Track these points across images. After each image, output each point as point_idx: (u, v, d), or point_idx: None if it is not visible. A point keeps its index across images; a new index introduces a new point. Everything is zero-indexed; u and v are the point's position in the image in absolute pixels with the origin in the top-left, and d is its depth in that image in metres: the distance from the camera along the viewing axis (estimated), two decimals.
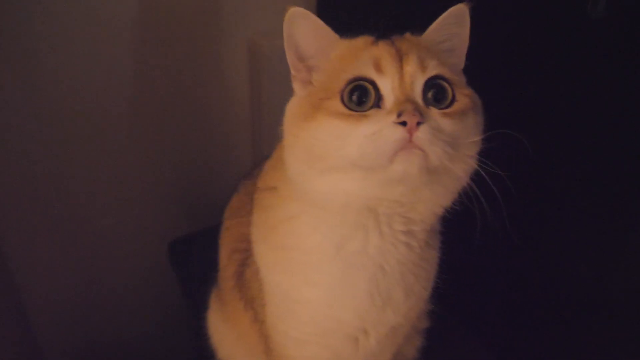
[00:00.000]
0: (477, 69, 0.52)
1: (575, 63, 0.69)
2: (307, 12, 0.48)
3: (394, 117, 0.42)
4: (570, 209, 0.74)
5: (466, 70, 0.53)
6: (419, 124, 0.42)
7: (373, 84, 0.45)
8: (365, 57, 0.47)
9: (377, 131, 0.43)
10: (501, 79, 0.74)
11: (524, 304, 0.85)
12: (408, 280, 0.54)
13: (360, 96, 0.45)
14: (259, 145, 1.15)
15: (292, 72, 0.51)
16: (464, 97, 0.48)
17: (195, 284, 0.94)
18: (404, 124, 0.42)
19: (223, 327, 0.76)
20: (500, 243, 0.70)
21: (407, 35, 0.51)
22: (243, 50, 1.10)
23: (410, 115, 0.42)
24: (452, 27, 0.51)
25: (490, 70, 0.60)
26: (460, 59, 0.52)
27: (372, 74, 0.45)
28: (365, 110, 0.45)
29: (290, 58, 0.50)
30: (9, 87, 0.94)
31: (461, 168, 0.46)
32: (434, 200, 0.49)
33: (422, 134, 0.42)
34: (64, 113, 1.00)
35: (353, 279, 0.52)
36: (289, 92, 0.55)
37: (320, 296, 0.53)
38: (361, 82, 0.45)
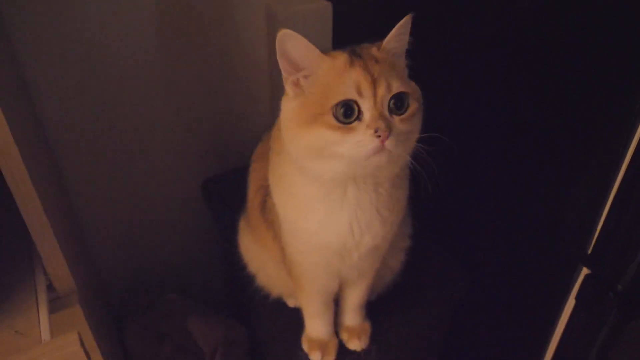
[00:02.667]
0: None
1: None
2: (295, 33, 0.59)
3: (372, 132, 0.58)
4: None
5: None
6: (389, 135, 0.58)
7: (356, 103, 0.59)
8: (349, 81, 0.59)
9: (361, 140, 0.59)
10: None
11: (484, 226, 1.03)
12: (383, 213, 0.71)
13: (348, 112, 0.59)
14: (276, 99, 1.26)
15: (284, 74, 0.63)
16: (414, 101, 0.62)
17: (224, 215, 1.09)
18: (379, 136, 0.58)
19: (252, 245, 0.93)
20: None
21: (374, 50, 0.63)
22: (261, 15, 1.19)
23: (383, 132, 0.58)
24: (402, 35, 0.63)
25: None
26: (403, 58, 0.66)
27: (355, 96, 0.59)
28: (351, 122, 0.59)
29: (282, 65, 0.62)
30: (72, 58, 1.07)
31: (408, 152, 0.64)
32: (391, 170, 0.67)
33: (389, 142, 0.59)
34: (113, 81, 1.13)
35: (336, 216, 0.69)
36: None
37: (313, 227, 0.71)
38: (348, 102, 0.59)
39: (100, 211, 1.28)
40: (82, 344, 0.62)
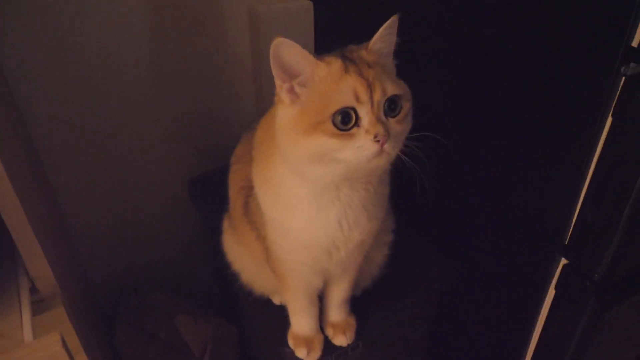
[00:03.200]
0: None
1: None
2: (290, 41, 0.58)
3: (372, 137, 0.60)
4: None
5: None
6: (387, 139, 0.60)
7: (354, 109, 0.60)
8: (346, 88, 0.60)
9: (361, 146, 0.60)
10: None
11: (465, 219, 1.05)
12: (369, 209, 0.73)
13: (346, 119, 0.60)
14: (261, 97, 1.27)
15: (278, 83, 0.63)
16: (406, 102, 0.63)
17: (211, 214, 1.07)
18: (378, 140, 0.59)
19: (235, 245, 0.94)
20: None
21: (364, 53, 0.64)
22: (244, 14, 1.20)
23: (382, 137, 0.59)
24: (389, 35, 0.64)
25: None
26: (391, 58, 0.66)
27: (354, 103, 0.60)
28: (350, 129, 0.60)
29: (276, 73, 0.61)
30: (56, 57, 1.07)
31: (400, 146, 0.64)
32: (385, 166, 0.68)
33: (387, 146, 0.60)
34: (99, 80, 1.14)
35: (325, 214, 0.70)
36: None
37: (302, 226, 0.72)
38: (346, 110, 0.60)
39: (86, 211, 1.29)
40: (65, 345, 0.62)
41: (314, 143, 0.61)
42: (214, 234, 1.02)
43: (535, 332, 0.93)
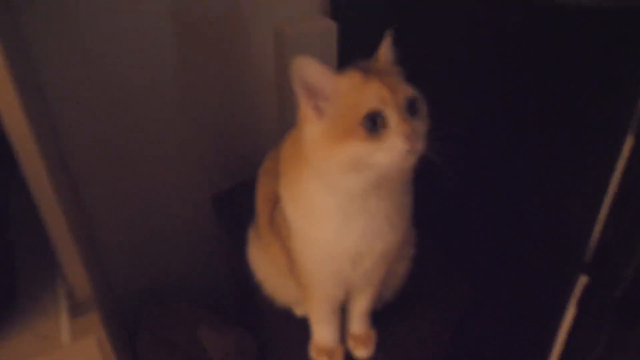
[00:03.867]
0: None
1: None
2: (310, 59, 0.62)
3: (401, 136, 0.62)
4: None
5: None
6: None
7: (381, 113, 0.62)
8: (371, 93, 0.63)
9: (392, 146, 0.62)
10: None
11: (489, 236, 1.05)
12: (393, 219, 0.74)
13: (375, 122, 0.62)
14: (284, 116, 1.29)
15: (303, 101, 0.66)
16: (422, 104, 0.66)
17: (234, 228, 1.11)
18: (408, 138, 0.62)
19: (260, 255, 0.96)
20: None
21: (377, 64, 0.69)
22: (270, 34, 1.23)
23: (412, 135, 0.62)
24: (389, 48, 0.70)
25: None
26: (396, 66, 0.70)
27: (380, 106, 0.62)
28: (379, 132, 0.62)
29: (300, 92, 0.65)
30: (84, 67, 1.12)
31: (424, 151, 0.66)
32: (410, 170, 0.70)
33: (417, 142, 0.62)
34: (128, 96, 1.18)
35: (351, 225, 0.72)
36: None
37: (328, 236, 0.74)
38: (374, 112, 0.62)
39: (112, 222, 1.32)
40: (101, 347, 0.65)
41: (347, 150, 0.63)
42: (237, 246, 1.04)
43: (555, 350, 0.93)
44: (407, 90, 0.65)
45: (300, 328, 0.95)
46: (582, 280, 0.84)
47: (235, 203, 1.24)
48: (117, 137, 1.22)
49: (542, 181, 0.87)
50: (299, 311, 0.99)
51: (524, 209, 0.93)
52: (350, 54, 1.23)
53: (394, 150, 0.62)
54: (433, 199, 0.97)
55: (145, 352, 1.29)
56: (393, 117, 0.63)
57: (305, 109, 0.67)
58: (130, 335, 1.34)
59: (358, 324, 0.93)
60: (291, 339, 0.97)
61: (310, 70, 0.63)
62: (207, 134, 1.33)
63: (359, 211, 0.72)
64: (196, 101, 1.28)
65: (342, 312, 0.92)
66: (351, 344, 0.93)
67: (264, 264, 0.97)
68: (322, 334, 0.91)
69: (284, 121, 1.34)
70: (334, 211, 0.72)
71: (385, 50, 0.69)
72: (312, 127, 0.67)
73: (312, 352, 0.92)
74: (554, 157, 0.84)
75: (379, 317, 0.96)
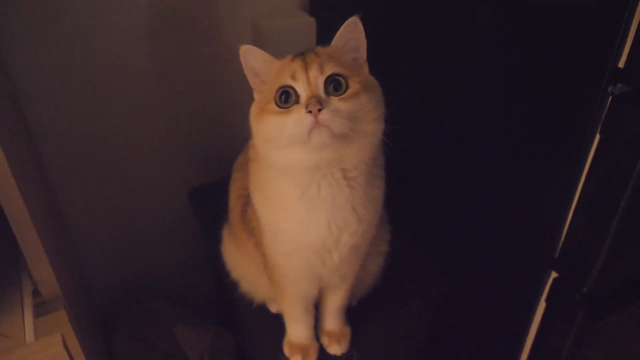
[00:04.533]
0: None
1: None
2: (254, 47, 0.67)
3: (304, 109, 0.63)
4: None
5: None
6: (320, 110, 0.62)
7: (292, 88, 0.65)
8: (286, 71, 0.66)
9: (297, 119, 0.63)
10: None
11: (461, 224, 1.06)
12: (359, 211, 0.74)
13: (286, 98, 0.65)
14: None
15: (251, 84, 0.71)
16: (355, 83, 0.65)
17: (211, 224, 1.08)
18: (311, 112, 0.62)
19: (234, 253, 0.96)
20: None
21: (318, 48, 0.70)
22: (247, 28, 1.23)
23: (312, 106, 0.62)
24: (350, 33, 0.68)
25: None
26: (362, 54, 0.70)
27: (290, 82, 0.65)
28: (290, 107, 0.64)
29: (249, 77, 0.70)
30: (63, 70, 1.10)
31: (366, 131, 0.67)
32: (356, 154, 0.69)
33: (323, 116, 0.62)
34: (102, 89, 1.16)
35: (314, 216, 0.72)
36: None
37: (292, 227, 0.74)
38: (285, 89, 0.65)
39: (88, 220, 1.31)
40: (65, 345, 0.64)
41: (263, 123, 0.67)
42: (214, 243, 1.03)
43: (527, 343, 0.94)
44: (327, 67, 0.65)
45: (276, 325, 0.94)
46: (552, 276, 0.85)
47: (212, 198, 1.20)
48: (92, 131, 1.20)
49: (513, 178, 0.88)
50: (273, 308, 0.99)
51: (496, 206, 0.94)
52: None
53: (298, 123, 0.63)
54: (409, 196, 0.97)
55: (121, 350, 1.28)
56: (303, 93, 0.65)
57: (254, 92, 0.72)
58: (106, 333, 1.33)
59: (332, 321, 0.93)
60: (267, 336, 0.97)
61: (254, 56, 0.68)
62: (185, 129, 1.32)
63: (318, 200, 0.71)
64: (173, 96, 1.26)
65: (316, 309, 0.92)
66: (325, 340, 0.93)
67: (239, 261, 0.97)
68: (296, 331, 0.91)
69: None
70: (295, 200, 0.72)
71: (339, 37, 0.69)
72: (252, 106, 0.72)
73: (286, 349, 0.92)
74: (523, 155, 0.85)
75: (353, 312, 0.96)
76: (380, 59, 0.71)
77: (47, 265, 0.73)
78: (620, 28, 0.63)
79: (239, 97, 1.32)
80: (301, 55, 0.69)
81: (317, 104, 0.62)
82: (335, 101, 0.65)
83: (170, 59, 1.22)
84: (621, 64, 0.66)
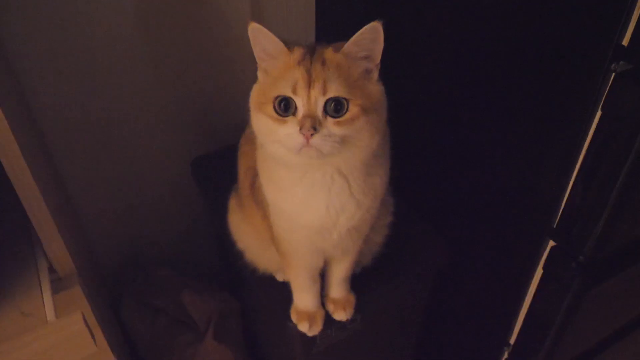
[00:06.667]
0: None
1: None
2: (263, 27, 0.64)
3: (297, 127, 0.63)
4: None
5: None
6: (313, 135, 0.62)
7: (292, 99, 0.64)
8: (289, 78, 0.64)
9: (290, 133, 0.64)
10: None
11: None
12: (357, 197, 0.75)
13: (284, 107, 0.64)
14: None
15: (258, 62, 0.68)
16: (356, 107, 0.64)
17: (214, 193, 1.12)
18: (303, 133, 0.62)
19: (242, 224, 0.98)
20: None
21: (329, 51, 0.66)
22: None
23: (306, 130, 0.62)
24: (365, 41, 0.64)
25: None
26: (374, 63, 0.66)
27: (290, 94, 0.64)
28: (287, 116, 0.64)
29: (257, 52, 0.67)
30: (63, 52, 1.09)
31: (358, 145, 0.67)
32: (350, 160, 0.69)
33: (314, 140, 0.62)
34: (102, 64, 1.15)
35: (312, 199, 0.73)
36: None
37: (292, 207, 0.76)
38: (285, 98, 0.64)
39: (92, 191, 1.31)
40: (86, 323, 0.66)
41: (259, 120, 0.68)
42: (218, 212, 1.05)
43: (523, 308, 0.98)
44: (332, 89, 0.63)
45: (283, 292, 0.97)
46: (550, 245, 0.88)
47: (215, 167, 1.23)
48: (93, 102, 1.19)
49: (514, 150, 0.90)
50: (280, 277, 1.02)
51: (495, 176, 0.96)
52: (329, 24, 1.22)
53: (289, 138, 0.64)
54: (409, 165, 0.98)
55: (130, 318, 1.32)
56: (301, 109, 0.64)
57: (258, 70, 0.70)
58: (114, 302, 1.36)
59: (337, 289, 0.96)
60: (274, 303, 1.00)
61: (263, 38, 0.66)
62: (185, 101, 1.31)
63: (314, 187, 0.73)
64: (174, 66, 1.24)
65: (322, 277, 0.95)
66: (331, 307, 0.97)
67: (245, 233, 0.99)
68: (303, 299, 0.94)
69: None
70: (290, 182, 0.73)
71: (353, 43, 0.65)
72: (254, 87, 0.71)
73: (294, 316, 0.95)
74: (526, 127, 0.86)
75: (358, 279, 0.99)
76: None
77: (61, 242, 0.74)
78: (625, 6, 0.64)
79: (240, 66, 1.32)
80: (310, 53, 0.66)
81: (311, 129, 0.62)
82: (330, 124, 0.64)
83: (171, 28, 1.20)
84: (625, 42, 0.66)
